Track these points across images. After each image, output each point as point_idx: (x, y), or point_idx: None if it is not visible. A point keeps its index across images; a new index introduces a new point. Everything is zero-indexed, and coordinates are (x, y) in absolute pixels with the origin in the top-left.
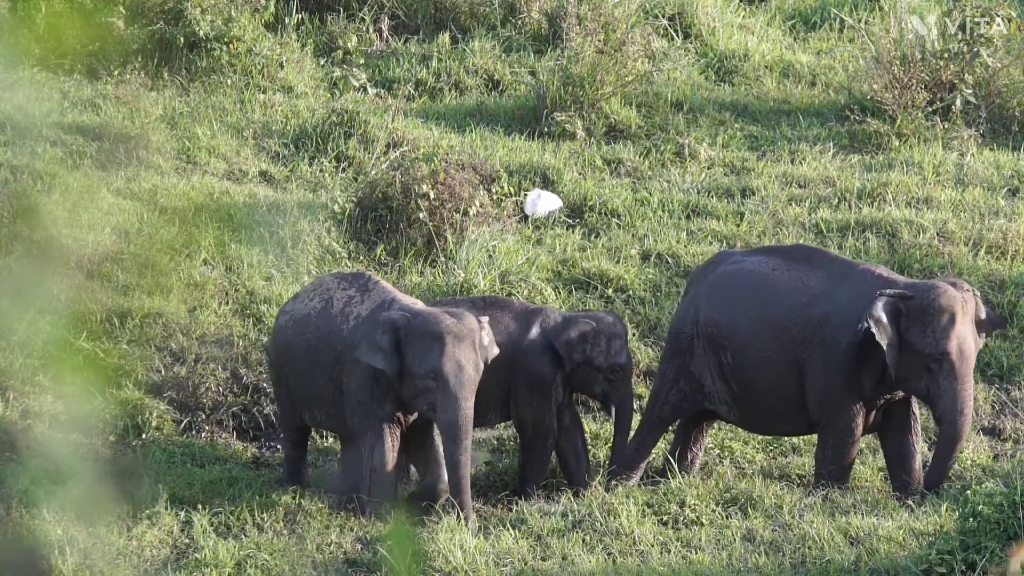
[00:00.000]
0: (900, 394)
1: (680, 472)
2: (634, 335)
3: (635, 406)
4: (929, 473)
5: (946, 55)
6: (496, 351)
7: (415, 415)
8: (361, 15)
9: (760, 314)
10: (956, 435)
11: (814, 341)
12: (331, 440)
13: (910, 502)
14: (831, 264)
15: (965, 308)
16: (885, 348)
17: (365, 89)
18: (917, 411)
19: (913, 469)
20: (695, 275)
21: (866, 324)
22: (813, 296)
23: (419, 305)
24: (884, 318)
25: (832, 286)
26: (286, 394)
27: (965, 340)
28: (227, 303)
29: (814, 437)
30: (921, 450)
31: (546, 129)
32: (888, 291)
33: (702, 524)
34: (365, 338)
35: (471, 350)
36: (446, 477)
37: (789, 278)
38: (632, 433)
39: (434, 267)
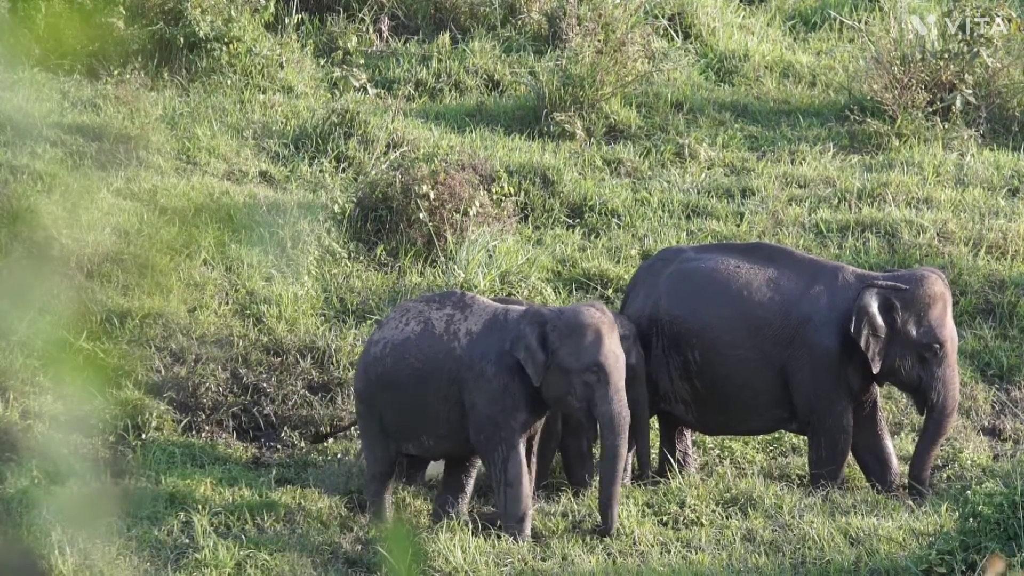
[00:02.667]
0: (873, 392)
1: (672, 472)
2: None
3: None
4: (915, 461)
5: (946, 55)
6: None
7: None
8: (361, 15)
9: (733, 312)
10: (947, 421)
11: (795, 343)
12: (331, 440)
13: (910, 502)
14: (798, 263)
15: (949, 295)
16: (864, 340)
17: (365, 89)
18: (882, 408)
19: (893, 466)
20: (642, 274)
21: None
22: (787, 296)
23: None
24: (874, 310)
25: (806, 286)
26: (379, 428)
27: (953, 327)
28: (227, 303)
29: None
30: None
31: (546, 129)
32: (879, 282)
33: (702, 524)
34: (516, 342)
35: (618, 340)
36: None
37: (759, 277)
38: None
39: (434, 267)
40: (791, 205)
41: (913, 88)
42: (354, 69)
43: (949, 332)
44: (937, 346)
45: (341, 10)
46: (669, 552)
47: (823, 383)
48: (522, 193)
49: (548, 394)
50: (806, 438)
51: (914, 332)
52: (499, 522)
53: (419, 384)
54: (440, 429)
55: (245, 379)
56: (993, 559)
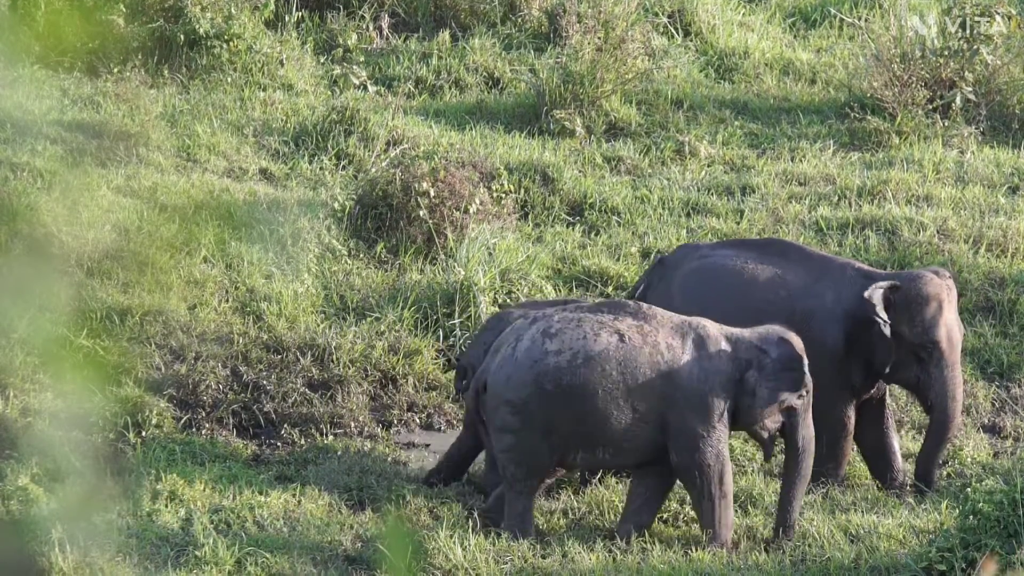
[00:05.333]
0: (880, 389)
1: None
2: None
3: None
4: (920, 463)
5: (946, 53)
6: None
7: None
8: (361, 13)
9: (738, 309)
10: (948, 422)
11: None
12: (331, 438)
13: (910, 500)
14: (808, 259)
15: (950, 296)
16: (888, 334)
17: (365, 87)
18: (889, 405)
19: (897, 465)
20: (658, 270)
21: (877, 317)
22: (792, 291)
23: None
24: (879, 308)
25: (812, 281)
26: (541, 439)
27: (953, 328)
28: (227, 301)
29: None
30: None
31: (546, 127)
32: (880, 284)
33: None
34: (759, 368)
35: None
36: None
37: (766, 272)
38: None
39: (434, 265)
40: (791, 203)
41: (913, 85)
42: (354, 66)
43: (944, 332)
44: (931, 346)
45: (341, 7)
46: (670, 549)
47: (825, 379)
48: (522, 191)
49: (758, 414)
50: None
51: (907, 332)
52: (708, 533)
53: (614, 395)
54: (624, 442)
55: (245, 376)
56: (987, 561)
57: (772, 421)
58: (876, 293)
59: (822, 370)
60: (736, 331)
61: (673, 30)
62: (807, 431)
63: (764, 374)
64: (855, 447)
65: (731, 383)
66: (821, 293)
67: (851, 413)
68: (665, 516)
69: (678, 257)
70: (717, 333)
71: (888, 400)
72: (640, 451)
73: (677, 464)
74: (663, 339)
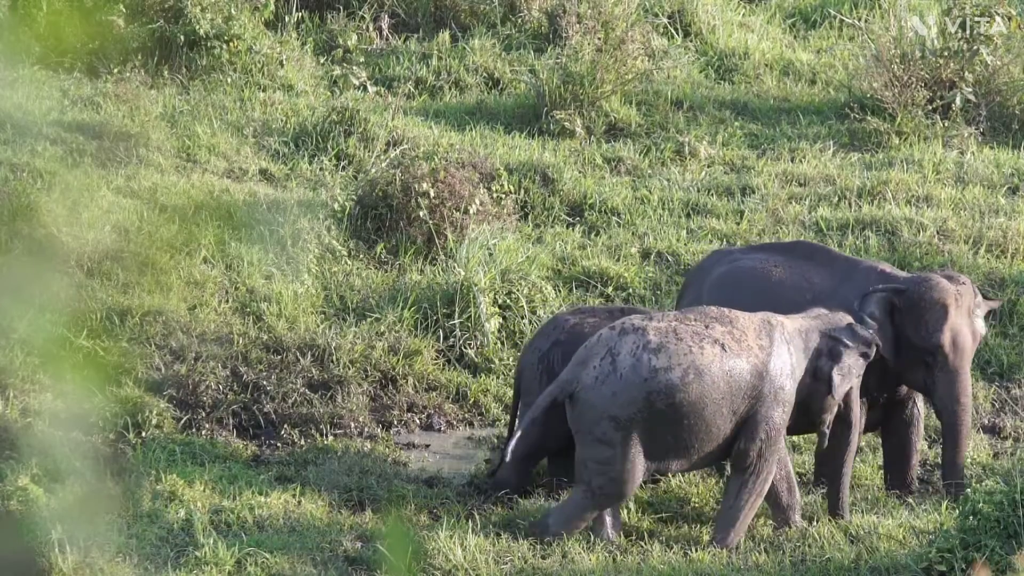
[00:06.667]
0: (903, 391)
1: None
2: None
3: None
4: (944, 470)
5: (946, 53)
6: None
7: None
8: (361, 13)
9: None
10: (957, 426)
11: None
12: (331, 439)
13: (910, 500)
14: (834, 262)
15: (959, 300)
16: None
17: (365, 87)
18: (921, 409)
19: (910, 467)
20: (692, 274)
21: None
22: (817, 294)
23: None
24: (877, 314)
25: (837, 284)
26: (639, 452)
27: (959, 332)
28: (227, 301)
29: (814, 435)
30: (921, 449)
31: (546, 127)
32: (880, 286)
33: (703, 522)
34: (835, 357)
35: None
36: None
37: (792, 276)
38: None
39: (434, 265)
40: (791, 203)
41: (913, 86)
42: (354, 67)
43: (948, 337)
44: (934, 350)
45: (341, 8)
46: (670, 549)
47: None
48: (522, 191)
49: (820, 404)
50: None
51: (912, 335)
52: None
53: (719, 404)
54: (719, 442)
55: (245, 377)
56: (980, 569)
57: (836, 407)
58: (872, 298)
59: None
60: (802, 321)
61: (673, 30)
62: (852, 415)
63: (836, 360)
64: (862, 445)
65: (805, 374)
66: (845, 296)
67: (862, 417)
68: (665, 516)
69: (709, 262)
70: (791, 326)
71: (919, 405)
72: (728, 448)
73: (741, 449)
74: (753, 340)
